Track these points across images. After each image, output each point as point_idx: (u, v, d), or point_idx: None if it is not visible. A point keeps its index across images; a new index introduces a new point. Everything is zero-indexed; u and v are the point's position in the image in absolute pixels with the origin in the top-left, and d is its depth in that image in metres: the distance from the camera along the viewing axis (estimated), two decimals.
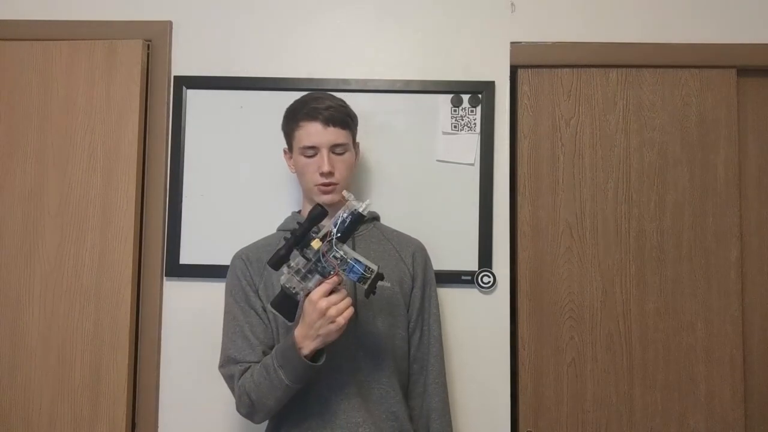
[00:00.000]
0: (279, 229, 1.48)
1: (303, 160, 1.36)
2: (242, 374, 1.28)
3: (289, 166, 1.46)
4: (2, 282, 1.66)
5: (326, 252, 1.15)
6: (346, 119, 1.37)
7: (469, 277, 1.67)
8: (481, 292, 1.69)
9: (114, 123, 1.69)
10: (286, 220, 1.48)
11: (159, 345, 1.68)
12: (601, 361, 1.69)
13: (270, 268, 1.34)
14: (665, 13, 1.75)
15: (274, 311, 1.19)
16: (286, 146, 1.45)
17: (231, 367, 1.31)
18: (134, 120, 1.69)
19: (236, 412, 1.30)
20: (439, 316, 1.47)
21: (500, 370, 1.68)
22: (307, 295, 1.17)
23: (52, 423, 1.62)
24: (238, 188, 1.71)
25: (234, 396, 1.30)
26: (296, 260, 1.16)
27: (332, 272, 1.16)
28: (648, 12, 1.75)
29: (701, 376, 1.68)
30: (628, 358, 1.69)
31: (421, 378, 1.41)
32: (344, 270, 1.15)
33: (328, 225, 1.17)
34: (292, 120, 1.38)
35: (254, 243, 1.46)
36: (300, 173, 1.40)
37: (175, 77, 1.73)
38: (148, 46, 1.73)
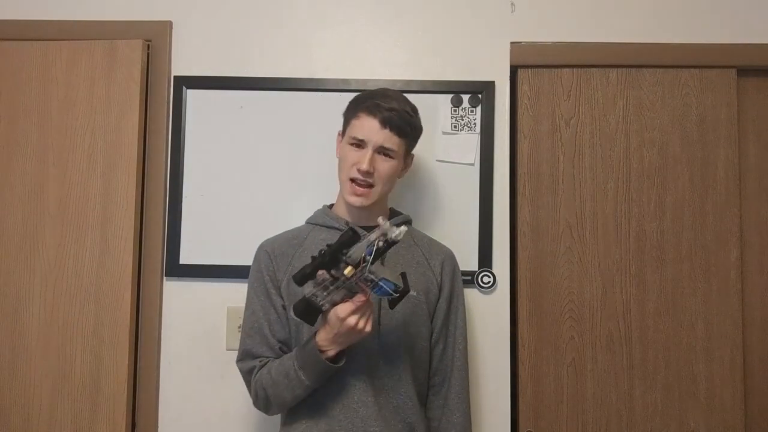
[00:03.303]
0: (308, 222, 1.44)
1: (348, 148, 1.32)
2: (259, 369, 1.29)
3: (337, 150, 1.41)
4: (2, 282, 1.66)
5: (357, 276, 1.12)
6: (405, 128, 1.32)
7: (469, 277, 1.67)
8: (481, 292, 1.69)
9: (114, 123, 1.69)
10: (316, 214, 1.44)
11: (159, 345, 1.68)
12: (601, 361, 1.69)
13: (292, 264, 1.33)
14: (665, 13, 1.75)
15: (296, 318, 1.18)
16: (341, 129, 1.40)
17: (249, 361, 1.32)
18: (134, 120, 1.69)
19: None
20: (465, 329, 1.42)
21: (500, 370, 1.68)
22: (333, 305, 1.16)
23: (52, 423, 1.62)
24: (238, 188, 1.71)
25: (249, 390, 1.32)
26: (322, 275, 1.14)
27: (359, 291, 1.15)
28: (648, 12, 1.75)
29: (701, 376, 1.68)
30: (628, 358, 1.69)
31: (442, 390, 1.37)
32: (372, 289, 1.13)
33: (359, 247, 1.11)
34: (353, 107, 1.35)
35: (281, 235, 1.43)
36: (341, 160, 1.35)
37: (175, 77, 1.73)
38: (148, 46, 1.73)
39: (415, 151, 1.69)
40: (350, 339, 1.19)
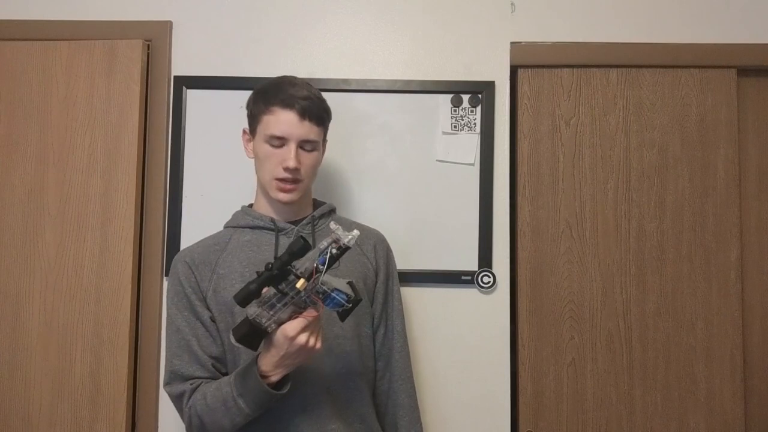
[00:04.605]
0: (227, 226, 1.36)
1: (266, 148, 1.23)
2: (192, 393, 1.19)
3: (246, 149, 1.33)
4: (2, 282, 1.66)
5: (310, 289, 1.03)
6: (322, 115, 1.27)
7: (469, 277, 1.67)
8: (481, 292, 1.69)
9: (114, 123, 1.69)
10: (236, 216, 1.36)
11: (159, 345, 1.68)
12: (601, 361, 1.69)
13: (217, 272, 1.23)
14: (665, 13, 1.75)
15: (238, 345, 1.07)
16: (247, 127, 1.32)
17: (179, 385, 1.21)
18: (134, 120, 1.69)
19: None
20: (402, 310, 1.41)
21: (500, 370, 1.68)
22: (279, 325, 1.06)
23: (52, 423, 1.62)
24: (238, 188, 1.71)
25: (181, 416, 1.22)
26: (267, 291, 1.05)
27: (310, 305, 1.06)
28: (648, 12, 1.75)
29: (701, 376, 1.68)
30: (628, 358, 1.69)
31: (386, 374, 1.35)
32: (324, 301, 1.05)
33: (310, 257, 1.02)
34: (263, 102, 1.25)
35: (198, 243, 1.34)
36: (260, 162, 1.26)
37: (175, 77, 1.73)
38: (148, 46, 1.73)
39: (415, 151, 1.71)
40: (299, 360, 1.09)
